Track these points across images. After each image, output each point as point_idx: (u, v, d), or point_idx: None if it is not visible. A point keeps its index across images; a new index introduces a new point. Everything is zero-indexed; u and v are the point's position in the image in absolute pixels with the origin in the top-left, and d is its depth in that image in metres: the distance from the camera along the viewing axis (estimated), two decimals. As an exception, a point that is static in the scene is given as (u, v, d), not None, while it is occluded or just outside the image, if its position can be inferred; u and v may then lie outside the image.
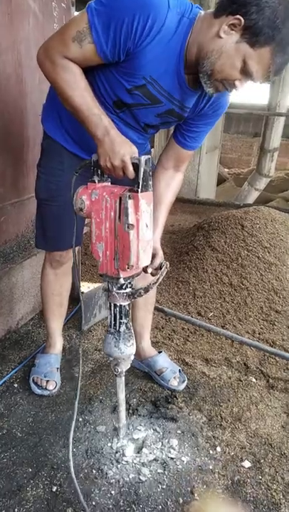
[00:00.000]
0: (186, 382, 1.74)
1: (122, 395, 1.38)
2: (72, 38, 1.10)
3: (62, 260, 1.61)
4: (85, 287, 2.43)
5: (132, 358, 1.33)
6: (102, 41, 1.09)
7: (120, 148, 1.11)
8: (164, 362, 1.78)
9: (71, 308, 2.21)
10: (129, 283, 1.23)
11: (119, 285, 1.21)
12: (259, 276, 2.44)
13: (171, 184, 1.49)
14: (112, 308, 1.26)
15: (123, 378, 1.35)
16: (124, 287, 1.22)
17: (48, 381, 1.65)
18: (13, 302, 1.98)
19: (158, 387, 1.73)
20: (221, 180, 9.06)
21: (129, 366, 1.34)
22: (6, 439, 1.45)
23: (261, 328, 2.20)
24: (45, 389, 1.64)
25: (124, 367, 1.33)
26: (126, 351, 1.29)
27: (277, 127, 5.95)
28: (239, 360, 1.95)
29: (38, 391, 1.64)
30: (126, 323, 1.28)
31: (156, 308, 2.13)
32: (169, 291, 2.49)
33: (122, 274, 1.18)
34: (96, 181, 1.19)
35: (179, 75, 1.19)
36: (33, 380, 1.67)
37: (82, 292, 2.22)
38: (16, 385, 1.70)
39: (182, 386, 1.72)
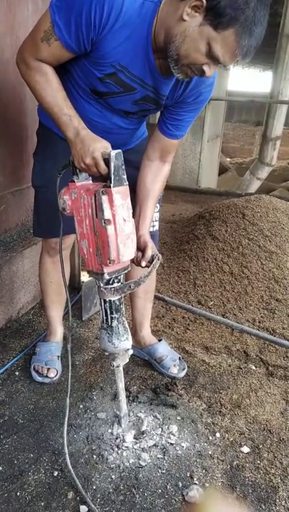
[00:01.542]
0: (186, 369, 1.76)
1: (121, 384, 1.39)
2: (40, 39, 1.14)
3: (58, 248, 1.60)
4: (86, 277, 2.43)
5: (130, 352, 1.33)
6: (65, 36, 1.11)
7: (90, 145, 1.12)
8: (164, 350, 1.79)
9: (71, 298, 2.22)
10: (116, 278, 1.22)
11: (105, 280, 1.20)
12: (260, 265, 2.44)
13: (158, 176, 1.46)
14: (103, 304, 1.26)
15: (121, 369, 1.36)
16: (110, 282, 1.21)
17: (48, 369, 1.67)
18: (13, 291, 1.99)
19: (158, 375, 1.74)
20: (222, 170, 9.00)
21: (127, 360, 1.34)
22: (8, 426, 1.47)
23: (261, 316, 2.20)
24: (46, 376, 1.66)
25: (121, 361, 1.33)
26: (120, 346, 1.28)
27: (279, 115, 5.89)
28: (239, 348, 1.96)
29: (39, 379, 1.66)
30: (117, 318, 1.27)
31: (156, 297, 2.13)
32: (170, 280, 2.50)
33: (106, 270, 1.18)
34: (75, 181, 1.21)
35: (148, 61, 1.18)
36: (34, 368, 1.69)
37: (83, 282, 2.22)
38: (17, 373, 1.72)
39: (182, 374, 1.73)
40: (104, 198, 1.09)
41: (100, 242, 1.14)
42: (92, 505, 1.20)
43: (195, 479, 1.32)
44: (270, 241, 2.53)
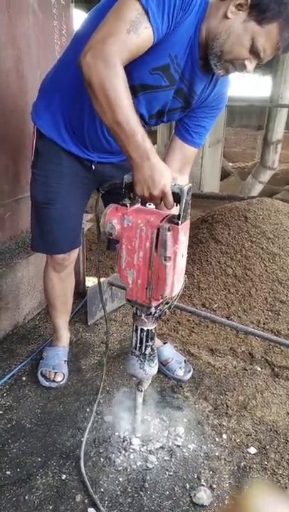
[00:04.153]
0: (191, 372, 1.76)
1: (140, 399, 1.39)
2: (127, 30, 1.00)
3: (65, 263, 1.59)
4: (91, 282, 2.45)
5: None
6: (158, 22, 1.03)
7: (161, 177, 1.03)
8: (170, 352, 1.80)
9: (77, 303, 2.24)
10: (159, 309, 1.20)
11: (148, 312, 1.19)
12: (263, 267, 2.44)
13: None
14: (139, 332, 1.24)
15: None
16: (153, 313, 1.20)
17: (56, 373, 1.68)
18: (19, 297, 2.01)
19: (164, 378, 1.75)
20: (225, 175, 9.03)
21: (150, 382, 1.36)
22: (16, 430, 1.48)
23: (266, 318, 2.20)
24: (53, 381, 1.67)
25: (146, 384, 1.34)
26: (150, 372, 1.29)
27: (280, 119, 5.93)
28: (244, 350, 1.96)
29: (46, 383, 1.67)
30: (151, 346, 1.27)
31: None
32: (174, 284, 2.51)
33: (154, 304, 1.16)
34: (128, 205, 1.12)
35: (192, 53, 1.17)
36: (41, 373, 1.70)
37: (88, 287, 2.24)
38: (24, 378, 1.73)
39: (188, 376, 1.74)
40: (169, 235, 1.02)
41: (155, 277, 1.09)
42: (101, 508, 1.21)
43: (202, 481, 1.32)
44: (272, 243, 2.54)
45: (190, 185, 1.06)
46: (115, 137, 1.06)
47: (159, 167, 1.04)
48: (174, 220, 1.05)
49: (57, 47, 2.13)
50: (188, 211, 1.07)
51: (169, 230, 1.03)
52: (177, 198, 1.05)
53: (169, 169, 1.08)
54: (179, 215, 1.04)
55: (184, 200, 1.03)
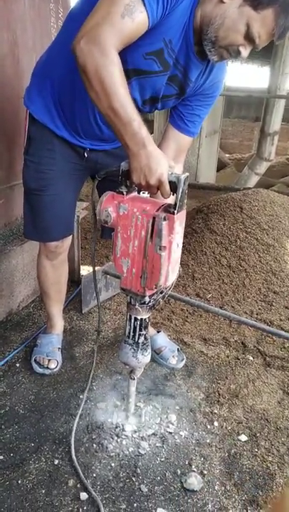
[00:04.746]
0: (184, 360, 1.78)
1: (133, 388, 1.40)
2: (121, 15, 0.98)
3: (58, 251, 1.58)
4: (85, 270, 2.45)
5: None
6: (153, 6, 1.01)
7: (158, 165, 1.03)
8: (163, 341, 1.81)
9: (71, 291, 2.24)
10: (153, 298, 1.20)
11: (143, 301, 1.19)
12: (257, 258, 2.45)
13: None
14: (133, 321, 1.24)
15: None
16: (147, 302, 1.20)
17: (49, 360, 1.69)
18: (13, 284, 2.01)
19: (157, 366, 1.77)
20: (222, 166, 9.01)
21: (142, 370, 1.37)
22: (9, 416, 1.49)
23: (259, 308, 2.22)
24: (47, 368, 1.68)
25: (139, 373, 1.35)
26: (143, 360, 1.30)
27: (277, 110, 5.90)
28: (237, 339, 1.98)
29: (40, 370, 1.68)
30: (144, 335, 1.27)
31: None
32: (168, 274, 2.51)
33: (148, 293, 1.16)
34: (124, 193, 1.11)
35: (187, 38, 1.15)
36: (35, 360, 1.70)
37: (82, 275, 2.24)
38: (17, 365, 1.74)
39: (181, 364, 1.75)
40: (165, 225, 1.02)
41: (150, 266, 1.09)
42: (93, 492, 1.22)
43: (193, 467, 1.34)
44: (267, 234, 2.55)
45: (187, 174, 1.05)
46: (111, 124, 1.05)
47: (156, 155, 1.03)
48: (169, 209, 1.04)
49: (53, 30, 2.10)
50: (185, 201, 1.06)
51: (164, 219, 1.02)
52: (174, 186, 1.04)
53: (166, 157, 1.07)
54: (175, 204, 1.03)
55: (181, 190, 1.02)
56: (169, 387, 1.65)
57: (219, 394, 1.64)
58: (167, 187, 1.04)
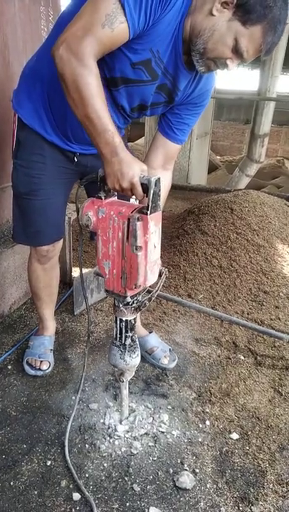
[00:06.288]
0: (176, 360, 1.79)
1: (125, 391, 1.41)
2: (101, 24, 1.01)
3: (49, 255, 1.59)
4: (77, 272, 2.45)
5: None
6: (134, 17, 1.03)
7: (129, 169, 1.07)
8: (155, 341, 1.82)
9: (63, 293, 2.24)
10: (136, 299, 1.22)
11: (125, 302, 1.21)
12: (248, 259, 2.48)
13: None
14: (118, 323, 1.26)
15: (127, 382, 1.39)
16: (130, 303, 1.22)
17: (41, 361, 1.69)
18: (5, 287, 2.00)
19: (149, 366, 1.77)
20: (213, 168, 9.08)
21: (133, 374, 1.37)
22: (1, 418, 1.48)
23: (250, 308, 2.24)
24: (39, 369, 1.68)
25: (129, 376, 1.36)
26: (131, 363, 1.31)
27: (267, 112, 5.95)
28: (228, 339, 1.99)
29: (32, 372, 1.67)
30: (131, 336, 1.29)
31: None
32: (160, 275, 2.52)
33: (129, 293, 1.18)
34: (102, 197, 1.16)
35: (176, 48, 1.17)
36: (27, 362, 1.70)
37: (74, 277, 2.24)
38: (9, 367, 1.73)
39: (172, 364, 1.76)
40: (139, 225, 1.05)
41: (128, 267, 1.12)
42: (86, 492, 1.23)
43: (185, 465, 1.35)
44: (257, 235, 2.58)
45: (158, 176, 1.09)
46: (87, 131, 1.09)
47: (127, 160, 1.08)
48: (143, 210, 1.08)
49: (44, 33, 2.10)
50: (158, 202, 1.10)
51: (138, 219, 1.06)
52: (146, 189, 1.08)
53: (138, 162, 1.11)
54: (148, 205, 1.07)
55: (152, 191, 1.06)
56: (161, 387, 1.66)
57: (211, 393, 1.65)
58: (140, 189, 1.08)
